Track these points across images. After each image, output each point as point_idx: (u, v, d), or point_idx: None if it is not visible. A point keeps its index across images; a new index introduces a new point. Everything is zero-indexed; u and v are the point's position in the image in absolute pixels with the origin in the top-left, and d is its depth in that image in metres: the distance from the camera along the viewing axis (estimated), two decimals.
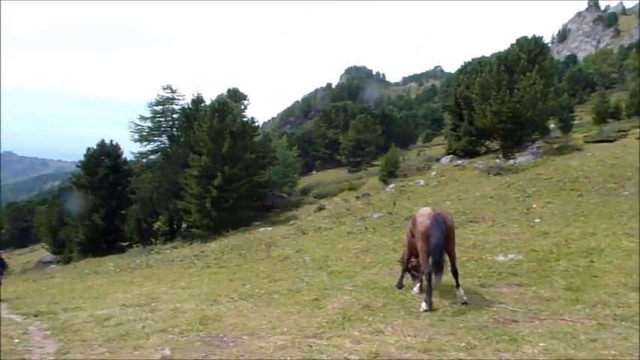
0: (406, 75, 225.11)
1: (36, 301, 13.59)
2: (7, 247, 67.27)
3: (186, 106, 36.06)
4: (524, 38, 33.01)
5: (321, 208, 27.94)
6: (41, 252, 49.29)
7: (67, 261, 36.29)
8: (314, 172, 70.52)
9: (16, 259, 46.30)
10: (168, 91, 39.13)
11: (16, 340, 7.76)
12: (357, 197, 28.72)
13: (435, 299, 7.83)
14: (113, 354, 6.35)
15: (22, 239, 65.23)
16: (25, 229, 68.20)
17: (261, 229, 24.91)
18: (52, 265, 35.16)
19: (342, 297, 8.74)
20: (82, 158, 38.79)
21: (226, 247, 20.45)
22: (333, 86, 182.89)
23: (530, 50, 30.71)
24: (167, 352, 6.10)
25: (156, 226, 35.23)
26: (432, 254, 7.58)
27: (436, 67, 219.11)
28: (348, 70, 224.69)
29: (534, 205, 15.80)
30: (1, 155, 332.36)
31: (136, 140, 39.21)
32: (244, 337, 6.73)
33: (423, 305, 7.51)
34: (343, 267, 12.33)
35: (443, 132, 74.26)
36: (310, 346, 6.03)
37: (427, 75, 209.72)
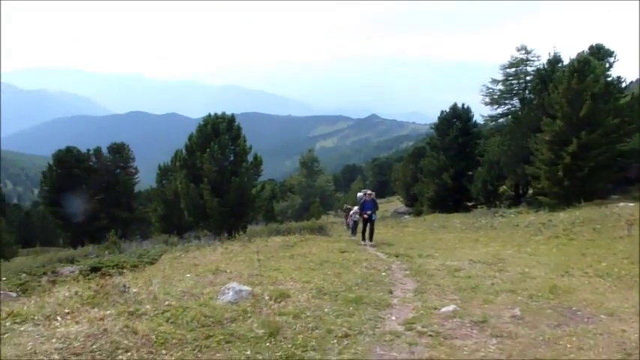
0: None
1: (395, 244, 15.53)
2: None
3: (541, 67, 33.95)
4: None
5: None
6: (396, 203, 55.63)
7: (418, 213, 39.87)
8: None
9: None
10: (523, 52, 37.55)
11: (383, 274, 9.13)
12: None
13: None
14: (465, 303, 6.77)
15: (381, 190, 74.73)
16: (384, 182, 77.96)
17: (621, 204, 21.77)
18: (405, 216, 39.21)
19: None
20: (434, 121, 41.39)
21: (577, 219, 18.74)
22: None
23: None
24: (517, 312, 6.14)
25: (501, 189, 34.96)
26: None
27: None
28: None
29: None
30: (368, 118, 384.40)
31: (486, 103, 39.34)
32: (601, 316, 6.17)
33: None
34: None
35: None
36: None
37: None
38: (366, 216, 15.84)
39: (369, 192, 16.59)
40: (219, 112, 28.98)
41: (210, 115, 28.53)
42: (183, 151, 28.69)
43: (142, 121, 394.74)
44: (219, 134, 27.31)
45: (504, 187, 35.16)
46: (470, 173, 36.91)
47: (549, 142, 26.66)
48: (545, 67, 32.44)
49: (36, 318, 4.83)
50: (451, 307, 6.29)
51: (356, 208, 20.58)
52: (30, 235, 50.47)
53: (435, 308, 6.41)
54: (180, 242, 24.22)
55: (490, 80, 39.17)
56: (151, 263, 14.67)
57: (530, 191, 32.68)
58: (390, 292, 7.61)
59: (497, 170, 33.22)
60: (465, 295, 7.24)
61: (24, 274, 14.44)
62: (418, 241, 17.36)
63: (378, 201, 18.30)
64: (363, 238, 15.71)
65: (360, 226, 17.60)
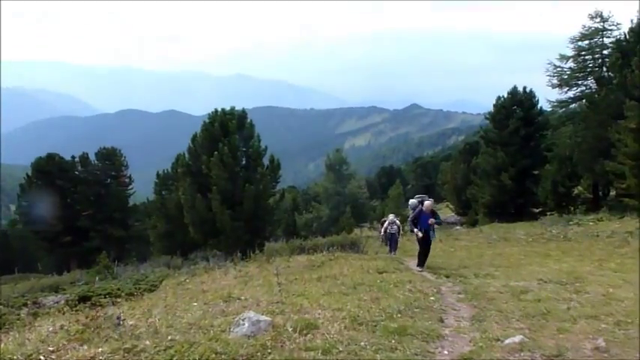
0: None
1: (444, 261, 15.38)
2: None
3: (621, 38, 33.32)
4: None
5: None
6: (445, 211, 55.18)
7: (472, 223, 39.48)
8: None
9: None
10: (598, 20, 36.93)
11: (432, 298, 9.03)
12: None
13: None
14: (534, 332, 6.63)
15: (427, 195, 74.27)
16: (429, 186, 77.37)
17: None
18: (457, 227, 38.83)
19: None
20: (489, 109, 40.88)
21: None
22: None
23: None
24: (601, 342, 5.98)
25: (576, 191, 34.41)
26: None
27: None
28: None
29: None
30: (408, 108, 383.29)
31: (554, 86, 38.80)
32: None
33: None
34: None
35: None
36: None
37: None
38: (421, 234, 13.67)
39: (427, 199, 14.22)
40: (228, 107, 29.24)
41: (217, 111, 28.83)
42: (186, 155, 29.06)
43: (135, 121, 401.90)
44: (228, 134, 27.57)
45: (579, 188, 34.60)
46: (535, 172, 36.41)
47: (635, 131, 26.10)
48: (627, 37, 31.79)
49: (15, 358, 4.92)
50: (517, 338, 6.17)
51: (391, 216, 20.46)
52: (7, 259, 51.58)
53: (498, 339, 6.29)
54: (185, 264, 24.48)
55: (558, 57, 38.65)
56: (151, 290, 14.84)
57: (613, 192, 32.08)
58: (441, 320, 7.52)
59: (570, 167, 32.72)
60: (534, 323, 7.10)
61: (0, 306, 14.77)
62: (473, 257, 17.15)
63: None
64: (420, 264, 13.80)
65: (397, 243, 17.02)
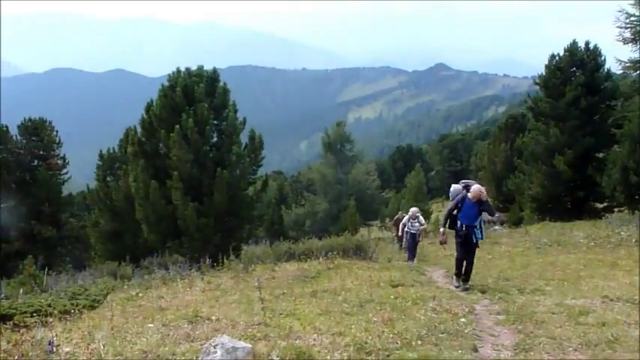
0: None
1: (480, 272, 15.40)
2: (438, 197, 77.85)
3: None
4: None
5: None
6: None
7: (517, 222, 39.52)
8: None
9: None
10: None
11: (463, 320, 9.08)
12: None
13: None
14: None
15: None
16: (459, 172, 77.16)
17: None
18: (496, 227, 38.85)
19: None
20: (539, 72, 40.58)
21: None
22: None
23: None
24: None
25: None
26: None
27: None
28: None
29: None
30: (432, 69, 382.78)
31: (626, 41, 38.58)
32: None
33: None
34: None
35: None
36: None
37: None
38: (445, 235, 13.23)
39: (476, 186, 13.11)
40: (194, 66, 29.09)
41: (179, 71, 28.66)
42: (138, 129, 28.90)
43: (71, 84, 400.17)
44: (194, 102, 27.44)
45: None
46: (600, 156, 36.30)
47: None
48: None
49: None
50: None
51: (414, 210, 20.43)
52: None
53: None
54: (137, 274, 24.45)
55: (632, 2, 38.52)
56: (92, 307, 14.85)
57: None
58: (475, 349, 7.56)
59: None
60: (597, 354, 7.15)
61: None
62: (517, 266, 17.22)
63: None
64: (458, 274, 13.24)
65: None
